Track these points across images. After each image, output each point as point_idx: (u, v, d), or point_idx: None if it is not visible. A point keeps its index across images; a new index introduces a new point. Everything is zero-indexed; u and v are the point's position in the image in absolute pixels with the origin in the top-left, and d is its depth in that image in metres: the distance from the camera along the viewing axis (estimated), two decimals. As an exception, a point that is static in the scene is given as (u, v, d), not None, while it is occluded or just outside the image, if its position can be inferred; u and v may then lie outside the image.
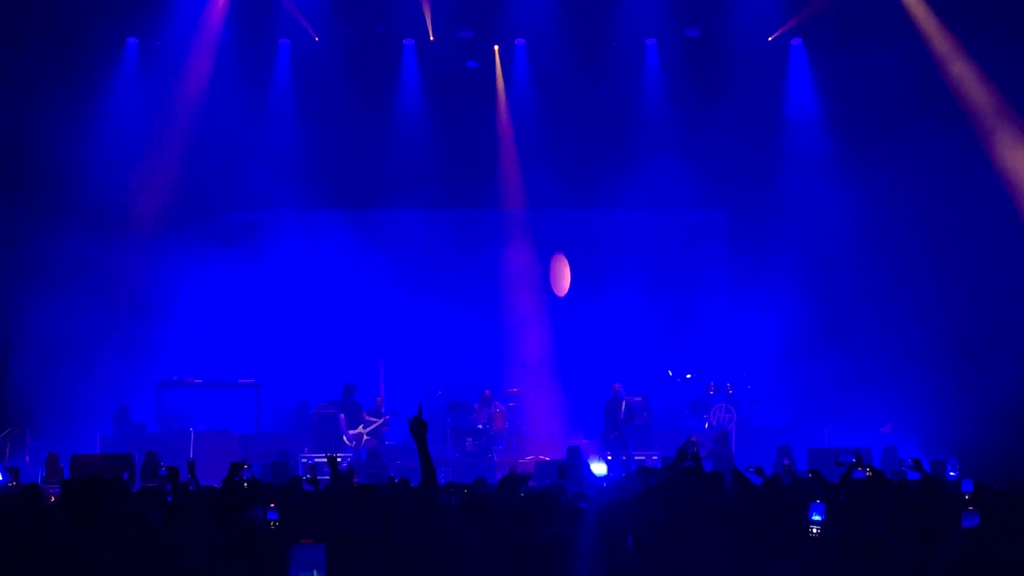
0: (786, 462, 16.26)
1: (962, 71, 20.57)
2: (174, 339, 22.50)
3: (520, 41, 23.44)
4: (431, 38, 22.89)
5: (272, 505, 8.27)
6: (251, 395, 21.72)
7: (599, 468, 17.27)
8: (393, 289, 23.51)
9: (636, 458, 20.29)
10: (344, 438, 20.97)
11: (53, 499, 11.03)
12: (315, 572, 5.88)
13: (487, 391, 21.82)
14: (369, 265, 23.81)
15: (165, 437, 20.11)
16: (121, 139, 21.88)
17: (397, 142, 23.36)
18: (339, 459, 13.63)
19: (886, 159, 21.14)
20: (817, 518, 7.51)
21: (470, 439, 21.23)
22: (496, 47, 23.35)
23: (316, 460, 19.23)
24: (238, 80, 22.72)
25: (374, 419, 21.29)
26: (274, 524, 8.04)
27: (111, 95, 22.29)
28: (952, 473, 12.89)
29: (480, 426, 21.40)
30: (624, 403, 20.90)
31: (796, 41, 23.13)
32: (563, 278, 23.96)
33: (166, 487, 11.22)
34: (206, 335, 22.83)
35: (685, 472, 9.43)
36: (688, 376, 22.95)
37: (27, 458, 19.10)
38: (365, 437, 20.92)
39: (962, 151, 20.33)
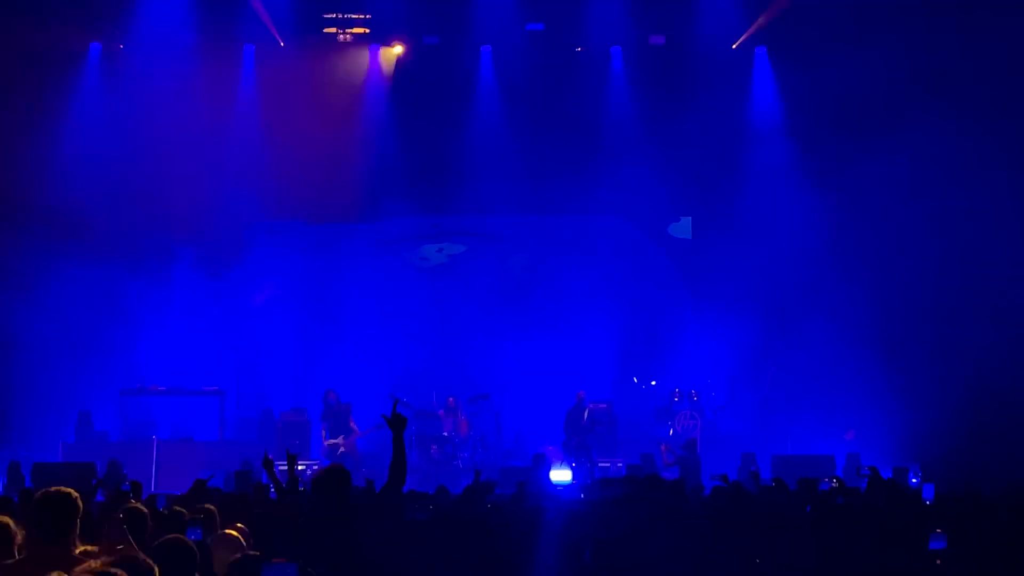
0: (753, 469, 16.27)
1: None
2: (137, 346, 22.31)
3: (486, 47, 23.48)
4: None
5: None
6: (214, 403, 21.49)
7: (563, 475, 17.27)
8: (356, 298, 23.39)
9: (601, 465, 20.28)
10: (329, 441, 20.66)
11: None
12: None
13: (451, 399, 21.77)
14: (330, 274, 23.72)
15: (128, 445, 19.92)
16: (85, 146, 21.78)
17: (362, 152, 23.32)
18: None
19: (846, 167, 21.29)
20: None
21: (435, 446, 21.19)
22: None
23: (280, 468, 19.06)
24: (203, 86, 22.54)
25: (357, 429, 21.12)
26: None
27: (75, 101, 22.19)
28: (914, 480, 12.96)
29: (445, 433, 21.36)
30: (587, 410, 20.85)
31: (760, 49, 23.29)
32: None
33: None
34: (169, 342, 22.62)
35: (647, 481, 9.44)
36: (653, 383, 22.93)
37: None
38: (341, 449, 20.52)
39: (921, 156, 20.42)
